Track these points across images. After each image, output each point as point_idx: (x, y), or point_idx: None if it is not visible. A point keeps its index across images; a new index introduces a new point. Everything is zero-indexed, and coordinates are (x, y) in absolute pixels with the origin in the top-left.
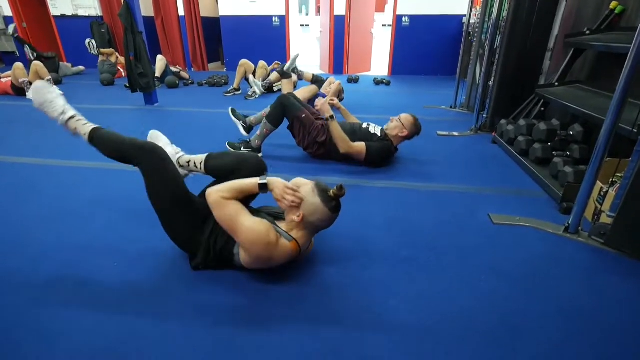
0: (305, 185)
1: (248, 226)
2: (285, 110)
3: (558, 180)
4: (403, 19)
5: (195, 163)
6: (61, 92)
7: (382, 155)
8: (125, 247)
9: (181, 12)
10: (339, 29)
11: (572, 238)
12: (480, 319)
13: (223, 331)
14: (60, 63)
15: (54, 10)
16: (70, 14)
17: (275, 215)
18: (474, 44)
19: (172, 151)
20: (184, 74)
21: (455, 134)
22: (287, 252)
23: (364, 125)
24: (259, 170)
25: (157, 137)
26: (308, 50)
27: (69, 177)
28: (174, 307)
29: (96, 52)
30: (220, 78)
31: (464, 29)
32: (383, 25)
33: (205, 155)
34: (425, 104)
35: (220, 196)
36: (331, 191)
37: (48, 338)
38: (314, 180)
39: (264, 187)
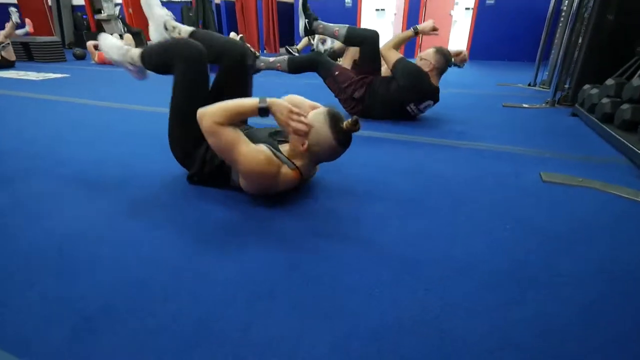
0: (315, 112)
1: (246, 156)
2: (316, 67)
3: None
4: None
5: (180, 32)
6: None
7: (412, 73)
8: (137, 164)
9: None
10: (414, 11)
11: None
12: (487, 266)
13: (205, 240)
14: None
15: None
16: (165, 0)
17: (275, 135)
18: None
19: (163, 12)
20: (252, 50)
21: (525, 105)
22: (288, 181)
23: None
24: (192, 59)
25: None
26: (382, 35)
27: (114, 115)
28: (167, 217)
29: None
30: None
31: (564, 6)
32: (467, 9)
33: (191, 29)
34: (499, 82)
35: (213, 121)
36: (345, 123)
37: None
38: (328, 106)
39: (264, 111)
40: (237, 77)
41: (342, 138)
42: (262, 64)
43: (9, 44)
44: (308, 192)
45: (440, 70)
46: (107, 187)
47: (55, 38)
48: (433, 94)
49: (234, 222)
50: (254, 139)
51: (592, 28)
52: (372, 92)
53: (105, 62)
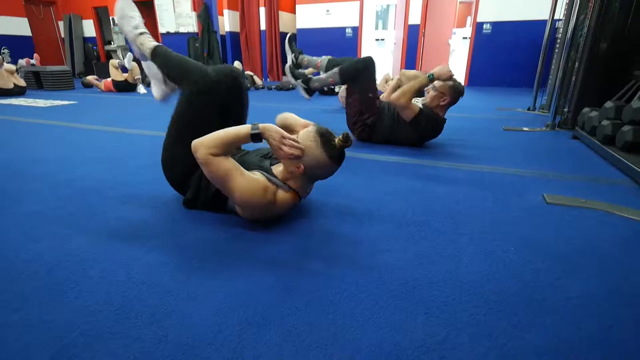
0: (304, 132)
1: (242, 186)
2: (364, 73)
3: None
4: (484, 26)
5: (143, 45)
6: (140, 16)
7: (430, 122)
8: (134, 186)
9: (263, 27)
10: (413, 40)
11: None
12: (493, 287)
13: (197, 263)
14: None
15: (162, 28)
16: (173, 31)
17: (268, 157)
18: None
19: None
20: (257, 79)
21: (525, 129)
22: (286, 204)
23: None
24: (204, 90)
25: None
26: (381, 64)
27: (115, 139)
28: (160, 239)
29: None
30: (288, 83)
31: (559, 35)
32: (464, 38)
33: (154, 45)
34: (498, 107)
35: (208, 153)
36: (336, 140)
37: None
38: (314, 125)
39: (257, 137)
40: (233, 99)
41: (336, 155)
42: (316, 83)
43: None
44: (306, 214)
45: (451, 104)
46: (103, 208)
47: (65, 67)
48: (441, 131)
49: (227, 244)
50: (248, 164)
51: (587, 55)
52: (380, 121)
53: (111, 90)
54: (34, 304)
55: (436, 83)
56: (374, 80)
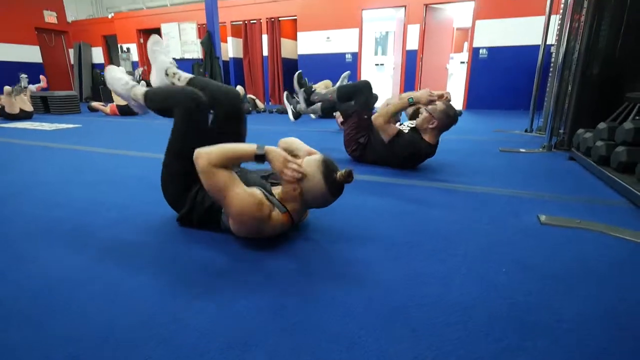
0: (310, 159)
1: (238, 199)
2: (361, 96)
3: None
4: (480, 51)
5: (180, 78)
6: (129, 74)
7: (406, 145)
8: (131, 207)
9: (265, 53)
10: (411, 65)
11: None
12: (483, 309)
13: (186, 284)
14: None
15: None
16: (179, 57)
17: (268, 178)
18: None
19: (167, 60)
20: (259, 103)
21: (522, 150)
22: (279, 225)
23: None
24: (192, 108)
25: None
26: (381, 88)
27: (116, 161)
28: (152, 259)
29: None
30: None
31: (552, 59)
32: (462, 62)
33: (190, 76)
34: (495, 129)
35: (209, 163)
36: (339, 174)
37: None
38: (323, 155)
39: (261, 158)
40: (231, 121)
41: (335, 188)
42: (316, 97)
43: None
44: (299, 234)
45: (442, 130)
46: (99, 229)
47: (72, 92)
48: (429, 154)
49: (218, 264)
50: (247, 182)
51: (580, 78)
52: (372, 141)
53: (116, 114)
54: (13, 328)
55: (429, 106)
56: (368, 102)
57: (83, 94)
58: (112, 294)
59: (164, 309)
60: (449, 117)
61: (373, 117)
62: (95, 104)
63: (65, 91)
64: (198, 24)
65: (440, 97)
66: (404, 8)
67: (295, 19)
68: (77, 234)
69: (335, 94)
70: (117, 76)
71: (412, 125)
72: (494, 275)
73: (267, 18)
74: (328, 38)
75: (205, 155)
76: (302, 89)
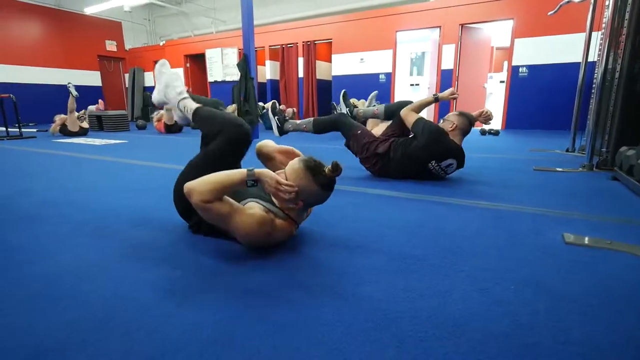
0: (294, 172)
1: (239, 225)
2: (338, 127)
3: None
4: (520, 69)
5: (186, 107)
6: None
7: (430, 131)
8: (152, 213)
9: (300, 75)
10: (446, 84)
11: None
12: (480, 326)
13: (183, 284)
14: None
15: (210, 78)
16: (220, 80)
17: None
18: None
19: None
20: (284, 113)
21: (559, 169)
22: (285, 231)
23: None
24: (239, 138)
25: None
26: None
27: (154, 171)
28: (159, 261)
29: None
30: None
31: (595, 76)
32: (501, 82)
33: (196, 106)
34: (532, 148)
35: (202, 200)
36: (326, 170)
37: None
38: (300, 159)
39: (252, 182)
40: (234, 150)
41: (326, 184)
42: (290, 126)
43: (85, 117)
44: (302, 244)
45: (463, 131)
46: (118, 231)
47: (123, 112)
48: (453, 152)
49: (217, 269)
50: (247, 194)
51: (622, 95)
52: (393, 149)
53: (161, 131)
54: (23, 311)
55: (446, 116)
56: (355, 124)
57: (134, 113)
58: (116, 287)
59: (159, 304)
60: (465, 117)
61: (402, 111)
62: (154, 117)
63: (117, 110)
64: (239, 49)
65: (480, 114)
66: (439, 28)
67: (330, 42)
68: (98, 234)
69: (312, 126)
70: (175, 83)
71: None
72: (500, 292)
73: (303, 42)
74: (362, 59)
75: (197, 191)
76: (276, 117)
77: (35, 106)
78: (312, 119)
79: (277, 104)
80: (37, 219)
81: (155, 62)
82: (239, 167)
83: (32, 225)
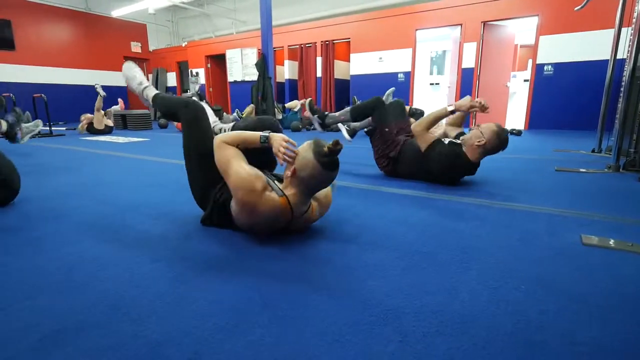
0: (303, 144)
1: (237, 169)
2: (375, 112)
3: None
4: (545, 67)
5: (147, 95)
6: (143, 74)
7: (447, 156)
8: (167, 205)
9: (319, 74)
10: (467, 83)
11: None
12: (485, 323)
13: (194, 273)
14: (224, 114)
15: (230, 78)
16: (240, 80)
17: (280, 178)
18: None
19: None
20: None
21: (582, 170)
22: (274, 206)
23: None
24: (194, 117)
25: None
26: (434, 107)
27: (171, 168)
28: (171, 250)
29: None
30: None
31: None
32: (525, 81)
33: (155, 93)
34: (556, 148)
35: (222, 140)
36: (326, 146)
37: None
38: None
39: (265, 139)
40: (198, 127)
41: (326, 161)
42: (330, 120)
43: (110, 115)
44: (311, 238)
45: (489, 151)
46: (133, 222)
47: (146, 111)
48: (468, 172)
49: (226, 260)
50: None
51: None
52: (402, 150)
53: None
54: (45, 294)
55: (483, 125)
56: (382, 115)
57: (156, 113)
58: (131, 274)
59: (170, 291)
60: (499, 139)
61: (412, 125)
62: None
63: (140, 110)
64: (258, 49)
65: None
66: (460, 26)
67: (349, 41)
68: (116, 225)
69: (349, 114)
70: (133, 75)
71: (454, 141)
72: (508, 291)
73: (322, 41)
74: (380, 58)
75: (221, 137)
76: (316, 115)
77: (64, 106)
78: (348, 107)
79: (313, 102)
80: (60, 211)
81: (178, 62)
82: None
83: (55, 217)
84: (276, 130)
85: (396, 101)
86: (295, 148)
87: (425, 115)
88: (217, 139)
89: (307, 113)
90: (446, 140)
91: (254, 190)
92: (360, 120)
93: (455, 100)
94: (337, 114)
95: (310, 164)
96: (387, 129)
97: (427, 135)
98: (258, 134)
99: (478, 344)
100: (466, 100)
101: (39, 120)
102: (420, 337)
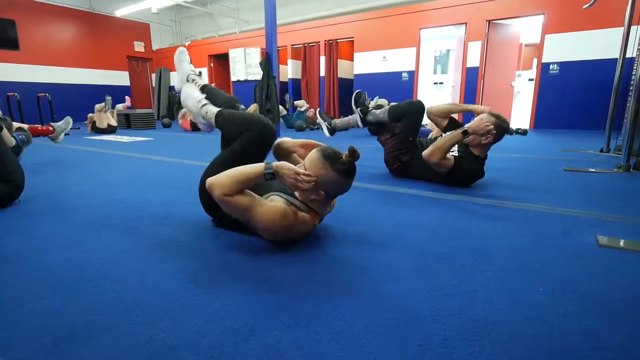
0: (312, 161)
1: (261, 217)
2: (409, 117)
3: None
4: (551, 66)
5: (207, 113)
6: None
7: (467, 173)
8: (174, 206)
9: (322, 74)
10: (472, 82)
11: None
12: (506, 327)
13: (206, 276)
14: None
15: (233, 77)
16: (243, 79)
17: (287, 191)
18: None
19: (189, 68)
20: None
21: (591, 170)
22: (307, 224)
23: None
24: (265, 136)
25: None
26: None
27: (177, 168)
28: (182, 252)
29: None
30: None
31: (634, 72)
32: (530, 80)
33: (217, 110)
34: (563, 148)
35: (222, 193)
36: (343, 157)
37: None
38: (319, 149)
39: (271, 175)
40: (259, 149)
41: (345, 170)
42: (371, 117)
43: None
44: (323, 240)
45: (495, 142)
46: (142, 223)
47: (150, 110)
48: (478, 178)
49: (239, 262)
50: (268, 188)
51: None
52: (414, 158)
53: (186, 129)
54: (56, 295)
55: (480, 116)
56: (415, 126)
57: (160, 112)
58: (141, 275)
59: (183, 293)
60: (501, 127)
61: (427, 153)
62: (180, 113)
63: (144, 109)
64: (261, 48)
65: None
66: (464, 25)
67: (353, 41)
68: (123, 226)
69: (387, 114)
70: (191, 94)
71: (469, 152)
72: (527, 294)
73: (325, 40)
74: (384, 58)
75: (217, 185)
76: (359, 108)
77: (69, 105)
78: (387, 107)
79: (361, 94)
80: (66, 211)
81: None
82: None
83: (62, 217)
84: (236, 107)
85: (419, 105)
86: (310, 176)
87: (436, 141)
88: (216, 191)
89: (318, 119)
90: (455, 151)
91: (289, 225)
92: (398, 121)
93: (459, 100)
94: (378, 111)
95: (334, 180)
96: (410, 138)
97: (445, 162)
98: (258, 169)
99: (500, 349)
100: (483, 123)
101: (69, 117)
102: (441, 340)
